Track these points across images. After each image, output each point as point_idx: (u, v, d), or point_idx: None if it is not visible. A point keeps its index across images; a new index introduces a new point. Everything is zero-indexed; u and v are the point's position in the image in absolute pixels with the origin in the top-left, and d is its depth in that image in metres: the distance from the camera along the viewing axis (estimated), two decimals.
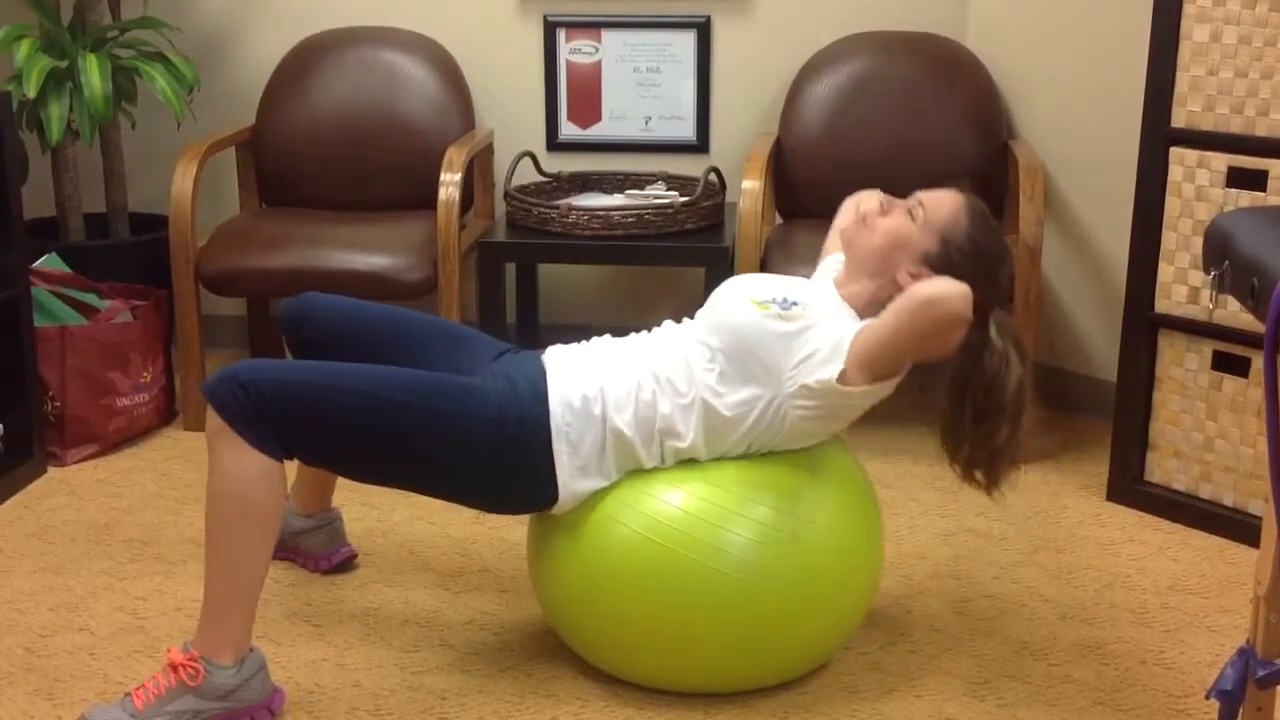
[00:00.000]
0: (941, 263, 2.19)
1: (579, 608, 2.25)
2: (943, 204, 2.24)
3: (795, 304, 2.17)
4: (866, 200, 2.33)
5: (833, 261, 2.41)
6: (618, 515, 2.17)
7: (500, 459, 2.15)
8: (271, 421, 2.07)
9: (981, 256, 2.20)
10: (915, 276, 2.19)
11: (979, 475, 2.23)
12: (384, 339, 2.39)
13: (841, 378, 2.09)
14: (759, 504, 2.16)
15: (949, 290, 2.04)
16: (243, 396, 2.06)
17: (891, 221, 2.23)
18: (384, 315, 2.44)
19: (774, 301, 2.17)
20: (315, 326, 2.42)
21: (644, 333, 2.34)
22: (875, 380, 2.11)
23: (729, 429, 2.18)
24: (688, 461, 2.21)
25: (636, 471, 2.21)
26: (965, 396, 2.19)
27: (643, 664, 2.25)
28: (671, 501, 2.16)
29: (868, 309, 2.22)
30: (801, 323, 2.15)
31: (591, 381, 2.19)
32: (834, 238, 2.45)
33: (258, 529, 2.10)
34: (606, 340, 2.32)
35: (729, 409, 2.16)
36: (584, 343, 2.32)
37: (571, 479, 2.17)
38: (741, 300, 2.20)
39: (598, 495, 2.20)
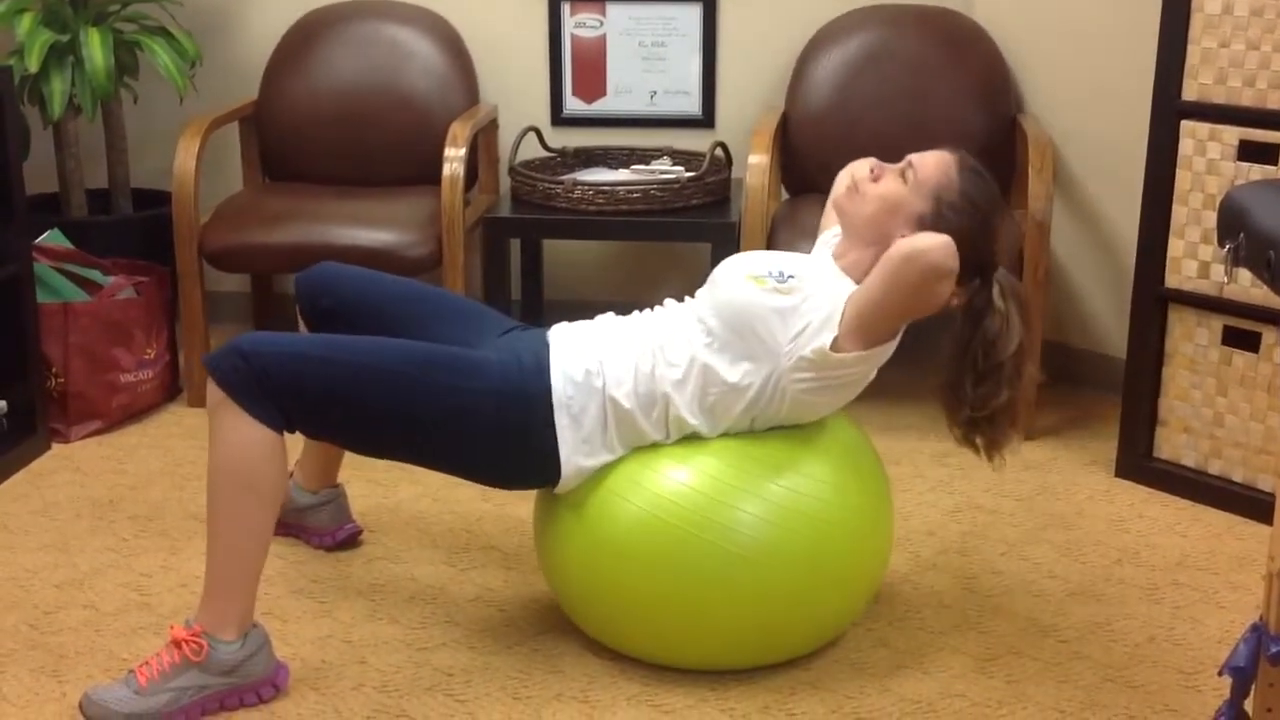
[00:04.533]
0: (936, 223, 2.14)
1: (586, 586, 2.24)
2: (932, 163, 2.20)
3: (791, 277, 2.16)
4: (858, 167, 2.30)
5: (830, 235, 2.39)
6: (625, 493, 2.16)
7: (504, 433, 2.14)
8: (274, 393, 2.05)
9: (976, 212, 2.15)
10: None
11: (979, 440, 2.21)
12: (397, 311, 2.38)
13: (835, 345, 2.08)
14: (768, 481, 2.15)
15: (929, 243, 2.02)
16: (245, 368, 2.04)
17: (883, 187, 2.19)
18: (397, 287, 2.44)
19: (770, 275, 2.16)
20: (332, 296, 2.41)
21: (647, 311, 2.33)
22: (869, 346, 2.09)
23: (729, 403, 2.16)
24: (693, 438, 2.20)
25: (643, 448, 2.20)
26: (966, 358, 2.17)
27: (650, 642, 2.24)
28: (680, 479, 2.14)
29: (867, 278, 2.19)
30: (798, 295, 2.13)
31: (593, 356, 2.18)
32: (830, 211, 2.43)
33: (259, 502, 2.09)
34: (610, 318, 2.32)
35: (727, 384, 2.15)
36: (588, 321, 2.32)
37: (574, 453, 2.16)
38: (739, 277, 2.18)
39: (604, 472, 2.19)
